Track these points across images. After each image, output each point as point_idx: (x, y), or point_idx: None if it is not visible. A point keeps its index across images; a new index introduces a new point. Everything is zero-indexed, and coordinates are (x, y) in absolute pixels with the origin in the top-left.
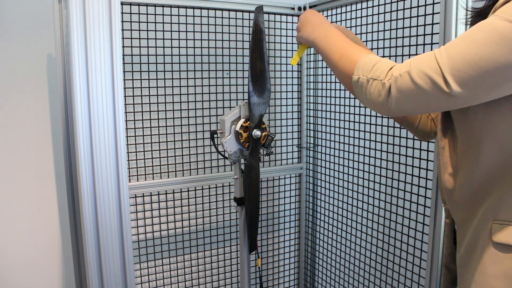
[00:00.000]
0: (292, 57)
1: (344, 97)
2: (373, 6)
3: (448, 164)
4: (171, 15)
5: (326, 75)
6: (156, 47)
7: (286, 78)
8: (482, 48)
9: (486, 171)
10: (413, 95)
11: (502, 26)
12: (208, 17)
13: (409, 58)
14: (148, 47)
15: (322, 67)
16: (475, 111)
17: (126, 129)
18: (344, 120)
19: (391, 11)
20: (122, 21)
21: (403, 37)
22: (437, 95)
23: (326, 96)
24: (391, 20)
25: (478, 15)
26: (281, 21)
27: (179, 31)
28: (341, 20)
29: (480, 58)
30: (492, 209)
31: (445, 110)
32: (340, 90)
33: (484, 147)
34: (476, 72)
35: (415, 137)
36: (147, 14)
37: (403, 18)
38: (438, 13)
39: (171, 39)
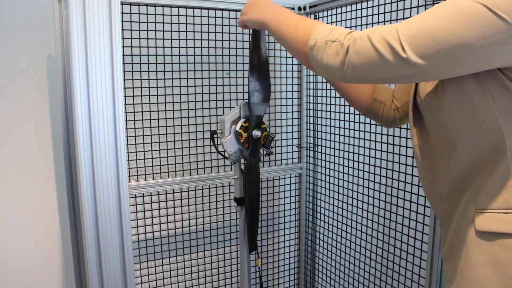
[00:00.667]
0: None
1: None
2: (373, 6)
3: (425, 161)
4: (171, 15)
5: None
6: (156, 47)
7: (286, 78)
8: (442, 20)
9: (463, 163)
10: (370, 58)
11: (466, 4)
12: (208, 17)
13: None
14: (148, 47)
15: None
16: (446, 109)
17: (126, 129)
18: (344, 120)
19: (391, 11)
20: (122, 21)
21: None
22: (393, 61)
23: (326, 96)
24: (391, 20)
25: None
26: None
27: (179, 31)
28: (341, 20)
29: (438, 29)
30: (473, 199)
31: (403, 82)
32: None
33: (459, 142)
34: (432, 42)
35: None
36: (147, 14)
37: (403, 18)
38: None
39: (171, 39)
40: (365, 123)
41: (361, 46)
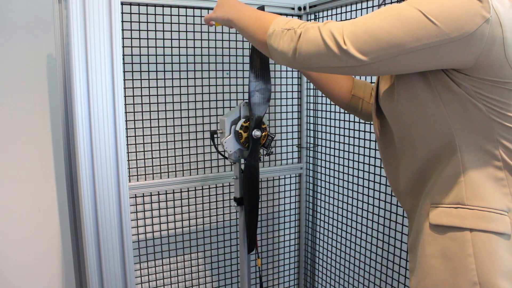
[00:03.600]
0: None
1: None
2: (373, 6)
3: (389, 159)
4: (171, 15)
5: None
6: (156, 47)
7: (286, 78)
8: (382, 22)
9: (421, 160)
10: (317, 47)
11: (405, 9)
12: None
13: None
14: (148, 47)
15: None
16: (401, 110)
17: (126, 129)
18: (344, 120)
19: None
20: (122, 21)
21: None
22: (336, 51)
23: (326, 96)
24: None
25: None
26: None
27: (179, 31)
28: (341, 20)
29: (377, 29)
30: (429, 194)
31: (346, 73)
32: None
33: (416, 140)
34: (371, 40)
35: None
36: (147, 14)
37: None
38: None
39: (171, 39)
40: (365, 123)
41: (312, 35)
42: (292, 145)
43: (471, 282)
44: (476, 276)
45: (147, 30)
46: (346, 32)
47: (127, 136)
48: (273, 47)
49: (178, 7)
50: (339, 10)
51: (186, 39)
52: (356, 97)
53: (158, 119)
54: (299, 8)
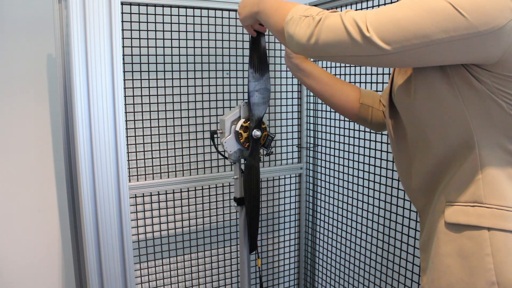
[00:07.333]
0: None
1: None
2: (373, 6)
3: (401, 155)
4: (171, 15)
5: None
6: (156, 47)
7: (286, 78)
8: (408, 11)
9: (436, 158)
10: (337, 33)
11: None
12: (208, 17)
13: None
14: (148, 47)
15: (322, 68)
16: (418, 106)
17: (126, 129)
18: (344, 120)
19: None
20: (122, 21)
21: None
22: (357, 38)
23: None
24: None
25: None
26: None
27: (179, 31)
28: None
29: (403, 18)
30: (444, 192)
31: (364, 64)
32: None
33: (432, 137)
34: (396, 29)
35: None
36: (147, 14)
37: None
38: None
39: (171, 39)
40: None
41: (332, 22)
42: (292, 145)
43: (489, 282)
44: (494, 276)
45: (147, 30)
46: (370, 19)
47: (127, 136)
48: (289, 33)
49: (178, 7)
50: (339, 10)
51: (186, 39)
52: (365, 105)
53: (158, 119)
54: None
